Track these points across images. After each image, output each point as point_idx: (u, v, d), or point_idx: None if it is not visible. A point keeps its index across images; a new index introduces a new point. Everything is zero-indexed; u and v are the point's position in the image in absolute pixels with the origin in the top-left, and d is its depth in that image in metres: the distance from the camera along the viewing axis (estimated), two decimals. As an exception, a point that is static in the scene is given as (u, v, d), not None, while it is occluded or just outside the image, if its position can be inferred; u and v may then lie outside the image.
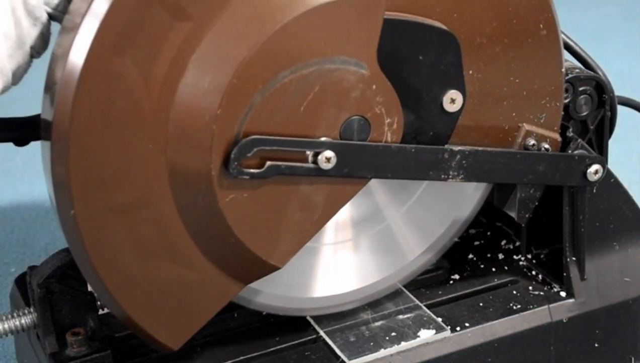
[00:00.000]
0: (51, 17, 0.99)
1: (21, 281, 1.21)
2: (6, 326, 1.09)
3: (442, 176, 1.06)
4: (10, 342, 1.34)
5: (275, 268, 1.04)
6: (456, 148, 1.06)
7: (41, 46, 0.99)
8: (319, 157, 1.00)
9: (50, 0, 0.98)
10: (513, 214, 1.14)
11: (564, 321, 1.18)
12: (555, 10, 1.07)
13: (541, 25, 1.06)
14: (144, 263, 0.99)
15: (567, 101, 1.14)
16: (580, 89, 1.15)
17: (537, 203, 1.14)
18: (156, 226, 0.98)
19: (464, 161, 1.07)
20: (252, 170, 0.98)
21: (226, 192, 0.98)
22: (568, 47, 1.17)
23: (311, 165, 1.00)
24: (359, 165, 1.02)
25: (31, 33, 0.97)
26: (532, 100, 1.09)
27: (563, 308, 1.18)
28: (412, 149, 1.04)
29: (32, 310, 1.10)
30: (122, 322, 1.03)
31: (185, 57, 0.94)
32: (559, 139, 1.12)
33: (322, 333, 1.13)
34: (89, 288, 1.10)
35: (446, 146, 1.06)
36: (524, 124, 1.09)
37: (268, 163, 0.98)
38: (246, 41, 0.94)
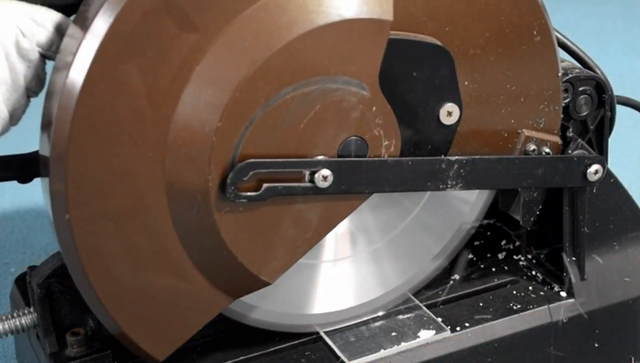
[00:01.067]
0: (45, 57, 1.00)
1: (21, 281, 1.21)
2: (6, 326, 1.09)
3: (441, 186, 1.06)
4: (10, 342, 1.34)
5: (265, 284, 1.03)
6: (453, 158, 1.06)
7: (37, 86, 1.01)
8: (316, 176, 1.00)
9: (43, 42, 0.99)
10: (519, 218, 1.14)
11: (564, 321, 1.18)
12: (548, 15, 1.07)
13: (535, 32, 1.06)
14: (136, 271, 0.99)
15: (567, 101, 1.14)
16: (580, 89, 1.15)
17: (541, 207, 1.14)
18: (149, 235, 0.98)
19: (461, 170, 1.07)
20: (249, 193, 0.98)
21: (222, 205, 0.98)
22: (565, 47, 1.17)
23: (308, 184, 1.00)
24: (356, 181, 1.02)
25: (26, 75, 0.99)
26: (530, 106, 1.09)
27: (563, 308, 1.18)
28: (409, 161, 1.04)
29: (32, 310, 1.10)
30: (109, 329, 1.02)
31: (189, 68, 0.94)
32: (560, 142, 1.12)
33: (322, 333, 1.13)
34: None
35: (442, 156, 1.06)
36: (524, 130, 1.10)
37: (265, 186, 0.98)
38: (251, 55, 0.95)
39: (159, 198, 0.97)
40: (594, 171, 1.13)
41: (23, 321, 1.09)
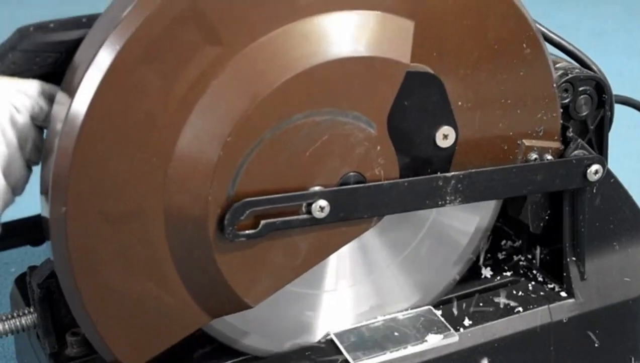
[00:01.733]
0: (41, 127, 1.01)
1: (21, 281, 1.21)
2: (6, 326, 1.09)
3: (440, 202, 1.07)
4: (10, 342, 1.34)
5: (247, 307, 1.03)
6: (449, 174, 1.06)
7: (37, 156, 1.02)
8: (313, 206, 1.00)
9: (38, 114, 1.00)
10: (529, 224, 1.15)
11: (564, 321, 1.18)
12: (535, 26, 1.07)
13: (524, 45, 1.06)
14: (123, 275, 0.98)
15: (567, 101, 1.14)
16: (580, 89, 1.15)
17: (549, 211, 1.14)
18: (142, 242, 0.98)
19: (459, 185, 1.07)
20: (247, 232, 0.98)
21: (219, 237, 0.98)
22: (561, 47, 1.17)
23: (305, 216, 1.01)
24: (354, 208, 1.02)
25: (25, 148, 1.01)
26: (528, 116, 1.09)
27: (563, 308, 1.18)
28: (405, 183, 1.04)
29: (32, 310, 1.10)
30: (82, 330, 1.02)
31: (207, 80, 0.94)
32: (561, 147, 1.12)
33: (331, 334, 1.13)
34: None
35: (439, 174, 1.06)
36: (523, 140, 1.10)
37: (262, 223, 0.99)
38: (268, 77, 0.95)
39: (156, 206, 0.97)
40: (594, 171, 1.13)
41: (23, 321, 1.09)
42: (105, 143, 0.93)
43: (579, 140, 1.13)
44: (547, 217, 1.15)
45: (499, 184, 1.09)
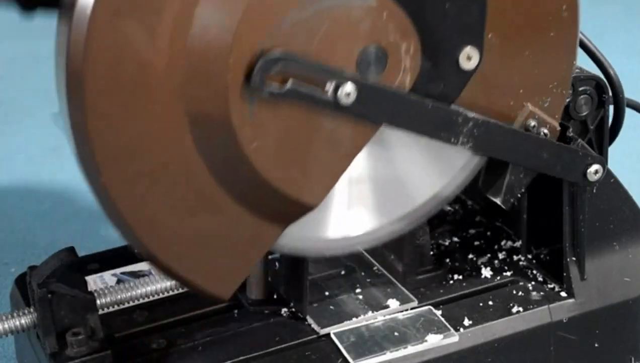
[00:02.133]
0: None
1: (21, 281, 1.21)
2: (6, 326, 1.09)
3: (452, 139, 1.05)
4: (10, 342, 1.34)
5: (310, 208, 1.02)
6: (471, 114, 1.05)
7: None
8: (339, 91, 0.98)
9: None
10: (497, 200, 1.13)
11: (564, 321, 1.18)
12: None
13: (564, 7, 1.06)
14: (181, 220, 0.99)
15: (567, 101, 1.14)
16: (580, 89, 1.15)
17: (523, 190, 1.13)
18: (185, 182, 0.98)
19: (475, 130, 1.06)
20: (274, 86, 0.95)
21: (249, 135, 0.97)
22: (582, 44, 1.16)
23: (331, 97, 0.98)
24: (376, 108, 1.00)
25: None
26: (542, 81, 1.08)
27: (563, 308, 1.18)
28: (430, 105, 1.03)
29: (32, 310, 1.10)
30: (173, 280, 1.04)
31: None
32: (558, 128, 1.12)
33: (331, 333, 1.13)
34: (90, 288, 1.10)
35: (462, 110, 1.05)
36: (529, 104, 1.09)
37: (291, 81, 0.96)
38: None
39: (186, 144, 0.96)
40: (594, 171, 1.13)
41: (23, 321, 1.09)
42: (113, 108, 0.93)
43: (579, 140, 1.13)
44: (519, 195, 1.14)
45: (509, 146, 1.08)
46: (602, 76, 1.17)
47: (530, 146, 1.09)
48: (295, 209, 1.02)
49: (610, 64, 1.17)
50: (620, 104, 1.20)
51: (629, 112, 1.24)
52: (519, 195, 1.13)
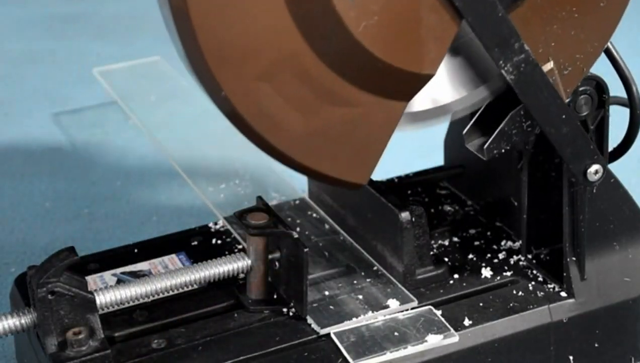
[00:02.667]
0: None
1: (21, 281, 1.21)
2: (6, 326, 1.09)
3: (500, 62, 1.06)
4: (10, 342, 1.34)
5: (428, 77, 1.04)
6: (527, 47, 1.06)
7: None
8: None
9: None
10: (480, 149, 1.13)
11: (564, 321, 1.18)
12: None
13: None
14: (307, 117, 1.01)
15: (567, 100, 1.14)
16: (580, 89, 1.15)
17: (507, 148, 1.13)
18: (303, 80, 1.00)
19: (523, 65, 1.06)
20: None
21: (354, 17, 0.98)
22: (609, 53, 1.17)
23: None
24: None
25: None
26: (572, 45, 1.09)
27: (563, 308, 1.18)
28: (501, 12, 1.04)
29: (32, 310, 1.10)
30: (309, 177, 1.10)
31: None
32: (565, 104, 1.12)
33: (331, 333, 1.13)
34: (90, 288, 1.10)
35: (521, 39, 1.05)
36: (552, 61, 1.10)
37: None
38: None
39: (295, 39, 0.98)
40: (594, 171, 1.13)
41: (23, 321, 1.09)
42: (221, 14, 0.95)
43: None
44: (502, 151, 1.12)
45: (541, 99, 1.08)
46: (602, 76, 1.17)
47: (558, 112, 1.09)
48: (414, 81, 1.04)
49: (634, 80, 1.18)
50: (637, 120, 1.20)
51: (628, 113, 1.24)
52: (503, 151, 1.13)
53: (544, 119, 1.10)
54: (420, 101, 1.12)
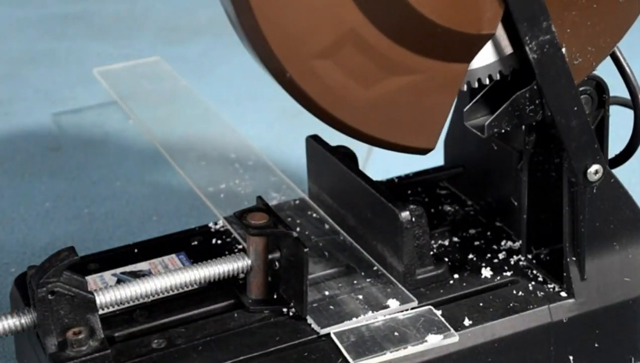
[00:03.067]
0: None
1: (21, 281, 1.21)
2: (6, 326, 1.09)
3: (527, 38, 1.07)
4: (10, 342, 1.34)
5: (489, 37, 1.06)
6: (554, 29, 1.07)
7: None
8: None
9: None
10: (475, 125, 1.14)
11: (564, 321, 1.18)
12: None
13: None
14: (370, 88, 1.04)
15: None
16: (581, 89, 1.15)
17: (507, 128, 1.13)
18: (363, 52, 1.02)
19: (547, 46, 1.08)
20: None
21: None
22: (615, 58, 1.17)
23: None
24: None
25: None
26: (586, 36, 1.10)
27: (563, 308, 1.18)
28: None
29: (32, 310, 1.10)
30: (378, 146, 1.10)
31: None
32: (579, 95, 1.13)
33: (331, 333, 1.13)
34: (90, 288, 1.10)
35: (550, 19, 1.06)
36: (565, 48, 1.10)
37: None
38: None
39: (352, 12, 1.01)
40: (594, 171, 1.13)
41: (23, 321, 1.09)
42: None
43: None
44: (502, 131, 1.13)
45: (558, 85, 1.09)
46: (602, 77, 1.17)
47: (571, 103, 1.10)
48: (475, 42, 1.06)
49: (638, 85, 1.18)
50: None
51: (629, 112, 1.24)
52: (502, 131, 1.14)
53: (556, 107, 1.11)
54: None
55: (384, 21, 1.02)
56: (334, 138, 1.41)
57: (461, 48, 1.06)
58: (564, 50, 1.09)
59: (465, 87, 1.12)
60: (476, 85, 1.13)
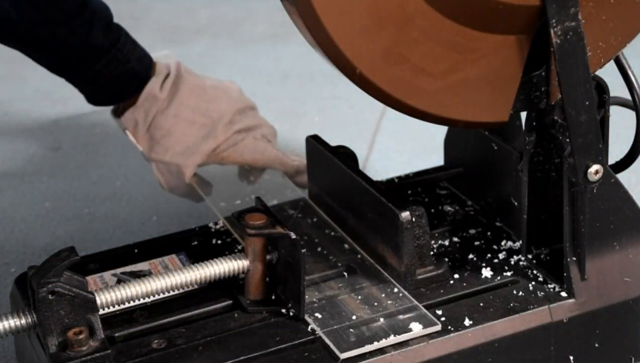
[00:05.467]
0: None
1: (21, 281, 1.21)
2: (6, 326, 1.09)
3: (553, 20, 1.07)
4: (10, 342, 1.34)
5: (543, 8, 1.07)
6: (580, 17, 1.07)
7: None
8: None
9: None
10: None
11: (564, 321, 1.18)
12: None
13: None
14: (440, 72, 1.06)
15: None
16: (581, 89, 1.15)
17: (511, 111, 1.14)
18: (429, 37, 1.04)
19: (571, 33, 1.08)
20: None
21: None
22: (616, 58, 1.17)
23: None
24: None
25: None
26: (599, 30, 1.11)
27: (563, 308, 1.18)
28: None
29: (32, 310, 1.10)
30: (452, 126, 1.19)
31: None
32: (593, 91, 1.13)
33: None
34: (90, 288, 1.10)
35: (578, 5, 1.07)
36: None
37: None
38: None
39: (413, 1, 1.02)
40: (594, 171, 1.13)
41: (23, 321, 1.09)
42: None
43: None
44: (511, 112, 1.14)
45: (576, 75, 1.10)
46: (602, 77, 1.17)
47: (584, 96, 1.10)
48: (535, 13, 1.07)
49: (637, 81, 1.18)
50: None
51: (629, 112, 1.24)
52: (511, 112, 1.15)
53: (570, 97, 1.11)
54: None
55: (444, 3, 1.03)
56: (334, 138, 1.41)
57: (523, 20, 1.07)
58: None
59: None
60: None
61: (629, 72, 1.19)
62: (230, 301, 1.19)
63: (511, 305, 1.18)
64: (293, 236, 1.14)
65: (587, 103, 1.11)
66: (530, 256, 1.25)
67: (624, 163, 1.23)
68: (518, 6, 1.06)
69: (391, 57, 1.04)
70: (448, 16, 1.04)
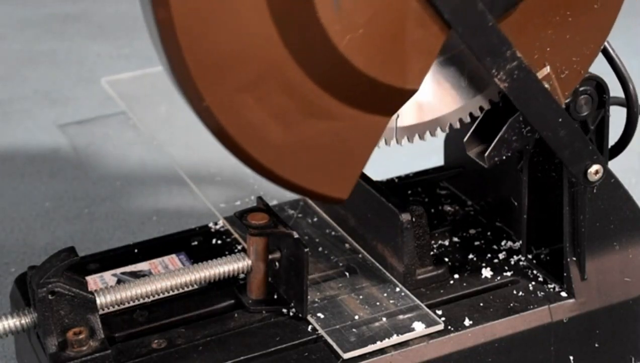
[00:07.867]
0: None
1: (21, 281, 1.21)
2: (6, 326, 1.09)
3: (493, 70, 1.06)
4: (10, 342, 1.34)
5: (412, 92, 1.04)
6: (519, 54, 1.06)
7: None
8: None
9: None
10: (480, 156, 1.14)
11: (564, 321, 1.18)
12: None
13: None
14: (288, 129, 1.00)
15: (567, 101, 1.14)
16: (581, 89, 1.15)
17: (508, 154, 1.13)
18: (286, 91, 0.99)
19: (516, 72, 1.06)
20: None
21: (340, 33, 0.97)
22: (605, 52, 1.17)
23: None
24: (449, 6, 1.01)
25: None
26: (568, 48, 1.09)
27: (563, 308, 1.18)
28: (490, 23, 1.03)
29: (32, 310, 1.10)
30: (290, 191, 1.06)
31: None
32: (563, 106, 1.12)
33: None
34: (90, 288, 1.10)
35: (513, 46, 1.05)
36: (549, 66, 1.10)
37: None
38: None
39: (279, 52, 0.98)
40: (594, 171, 1.13)
41: (23, 321, 1.09)
42: (205, 23, 0.94)
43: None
44: (504, 158, 1.14)
45: (537, 107, 1.08)
46: (602, 77, 1.17)
47: (555, 116, 1.09)
48: (398, 96, 1.03)
49: (631, 79, 1.18)
50: (634, 119, 1.20)
51: (629, 113, 1.25)
52: (504, 157, 1.13)
53: (540, 124, 1.10)
54: (414, 114, 1.12)
55: (309, 62, 0.99)
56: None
57: (384, 100, 1.03)
58: (548, 68, 1.09)
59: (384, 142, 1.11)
60: (468, 120, 1.13)
61: (613, 55, 1.18)
62: (232, 301, 1.19)
63: (511, 305, 1.18)
64: (296, 235, 1.14)
65: (560, 120, 1.11)
66: (530, 256, 1.25)
67: (615, 150, 1.23)
68: (382, 83, 1.01)
69: (243, 99, 0.98)
70: (310, 76, 1.00)
